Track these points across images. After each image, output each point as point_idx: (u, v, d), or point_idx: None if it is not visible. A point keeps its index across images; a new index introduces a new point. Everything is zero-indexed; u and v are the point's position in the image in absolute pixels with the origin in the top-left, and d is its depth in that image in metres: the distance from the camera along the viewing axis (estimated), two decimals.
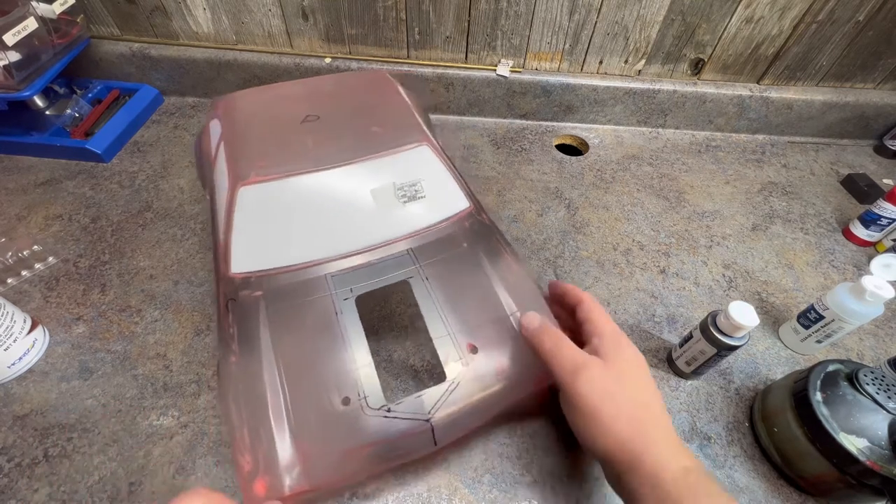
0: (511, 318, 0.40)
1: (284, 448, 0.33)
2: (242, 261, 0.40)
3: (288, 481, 0.32)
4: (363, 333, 0.38)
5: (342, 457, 0.34)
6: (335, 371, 0.36)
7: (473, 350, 0.39)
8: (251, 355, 0.36)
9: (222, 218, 0.41)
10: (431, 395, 0.36)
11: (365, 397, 0.35)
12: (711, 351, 0.45)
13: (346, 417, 0.34)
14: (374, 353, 0.38)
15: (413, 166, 0.45)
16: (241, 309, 0.38)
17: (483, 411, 0.38)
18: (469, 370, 0.38)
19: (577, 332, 0.39)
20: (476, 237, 0.45)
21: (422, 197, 0.45)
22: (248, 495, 0.32)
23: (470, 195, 0.48)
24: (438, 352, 0.38)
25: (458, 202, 0.47)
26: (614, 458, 0.32)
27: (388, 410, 0.35)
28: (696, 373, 0.49)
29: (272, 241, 0.41)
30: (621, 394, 0.33)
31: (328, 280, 0.40)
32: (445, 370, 0.37)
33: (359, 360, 0.37)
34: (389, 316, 0.52)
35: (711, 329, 0.44)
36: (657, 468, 0.31)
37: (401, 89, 0.54)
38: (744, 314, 0.42)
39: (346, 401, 0.35)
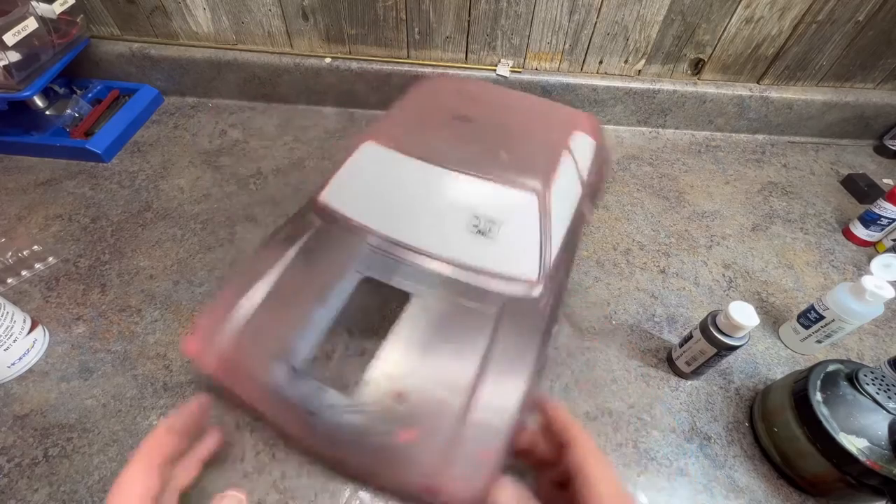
0: (463, 412, 0.34)
1: (229, 332, 0.37)
2: (330, 195, 0.46)
3: (208, 356, 0.36)
4: (340, 307, 0.39)
5: (251, 376, 0.36)
6: (300, 314, 0.39)
7: (399, 399, 0.34)
8: (274, 255, 0.42)
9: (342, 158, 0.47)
10: (333, 397, 0.35)
11: (296, 348, 0.37)
12: (711, 351, 0.45)
13: (275, 351, 0.37)
14: (333, 327, 0.39)
15: (509, 208, 0.41)
16: (298, 224, 0.45)
17: (368, 459, 0.34)
18: (380, 412, 0.34)
19: (564, 476, 0.31)
20: (512, 314, 0.38)
21: (491, 238, 0.41)
22: (182, 344, 0.36)
23: (546, 274, 0.40)
24: (371, 370, 0.35)
25: (523, 267, 0.40)
26: None
27: (295, 373, 0.36)
28: (696, 373, 0.49)
29: (356, 193, 0.45)
30: None
31: (362, 248, 0.42)
32: (360, 389, 0.35)
33: (319, 321, 0.38)
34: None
35: (711, 329, 0.44)
36: None
37: (577, 137, 0.48)
38: (744, 314, 0.42)
39: (285, 341, 0.37)
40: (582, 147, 0.49)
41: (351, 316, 0.44)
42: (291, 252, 0.42)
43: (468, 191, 0.42)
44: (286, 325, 0.38)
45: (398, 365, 0.36)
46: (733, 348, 0.44)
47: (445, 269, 0.41)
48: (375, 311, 0.49)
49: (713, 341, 0.44)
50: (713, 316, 0.45)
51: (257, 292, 0.39)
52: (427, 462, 0.33)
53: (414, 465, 0.33)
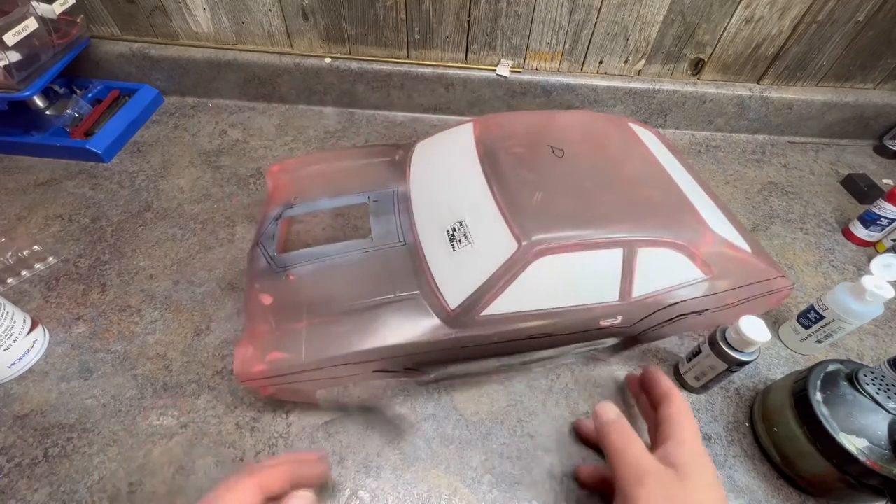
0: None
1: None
2: (421, 144, 0.53)
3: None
4: (335, 206, 0.50)
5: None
6: (323, 188, 0.51)
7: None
8: (361, 153, 0.55)
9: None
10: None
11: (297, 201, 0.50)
12: (722, 366, 0.44)
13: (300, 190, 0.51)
14: (324, 210, 0.51)
15: (490, 240, 0.40)
16: (395, 149, 0.55)
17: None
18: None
19: (656, 429, 0.35)
20: (400, 312, 0.40)
21: (453, 248, 0.42)
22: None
23: (461, 313, 0.39)
24: (303, 253, 0.46)
25: (450, 291, 0.40)
26: None
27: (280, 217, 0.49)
28: (705, 388, 0.48)
29: (429, 153, 0.51)
30: None
31: (390, 187, 0.50)
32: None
33: (322, 203, 0.50)
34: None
35: (721, 344, 0.43)
36: None
37: (648, 253, 0.41)
38: (755, 329, 0.41)
39: (305, 190, 0.51)
40: (654, 265, 0.41)
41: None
42: (367, 160, 0.54)
43: (479, 204, 0.42)
44: (313, 185, 0.52)
45: (308, 259, 0.44)
46: (744, 363, 0.43)
47: (407, 241, 0.45)
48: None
49: (723, 356, 0.43)
50: (722, 330, 0.44)
51: (327, 158, 0.56)
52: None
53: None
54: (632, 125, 0.55)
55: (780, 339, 0.55)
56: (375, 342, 0.39)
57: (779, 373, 0.52)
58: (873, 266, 0.50)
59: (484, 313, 0.40)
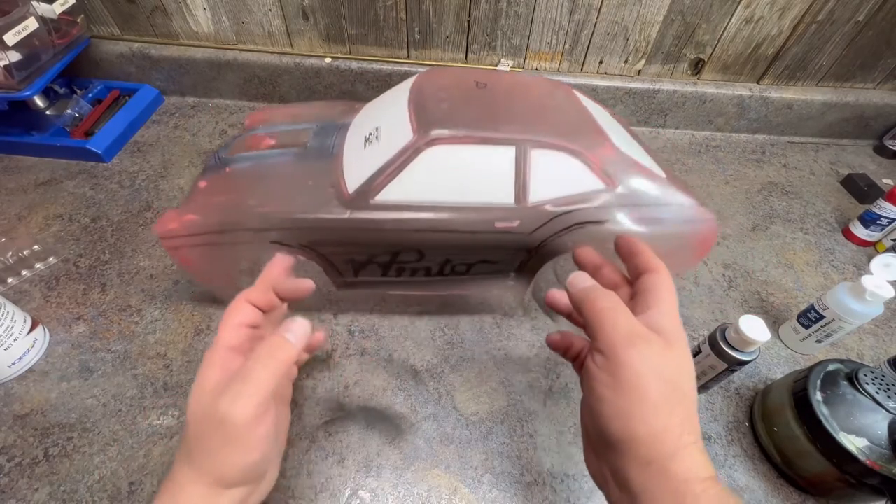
0: None
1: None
2: (371, 102, 0.54)
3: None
4: (289, 129, 0.53)
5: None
6: (288, 116, 0.56)
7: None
8: (324, 104, 0.59)
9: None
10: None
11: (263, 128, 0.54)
12: (722, 366, 0.44)
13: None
14: (278, 132, 0.53)
15: (394, 135, 0.44)
16: (349, 103, 0.58)
17: None
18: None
19: (629, 298, 0.34)
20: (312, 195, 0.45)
21: (365, 149, 0.45)
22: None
23: (357, 197, 0.42)
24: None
25: (352, 178, 0.43)
26: (633, 448, 0.28)
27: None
28: (705, 388, 0.48)
29: (380, 99, 0.53)
30: (675, 383, 0.29)
31: (339, 119, 0.53)
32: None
33: (282, 125, 0.54)
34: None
35: (721, 344, 0.43)
36: (687, 475, 0.27)
37: (544, 154, 0.42)
38: (754, 329, 0.41)
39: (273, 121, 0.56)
40: (546, 164, 0.42)
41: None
42: (333, 109, 0.56)
43: (395, 115, 0.45)
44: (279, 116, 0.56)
45: (247, 159, 0.49)
46: (744, 363, 0.43)
47: (335, 152, 0.48)
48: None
49: (723, 356, 0.43)
50: (722, 330, 0.44)
51: (303, 106, 0.59)
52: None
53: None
54: (576, 92, 0.54)
55: (780, 338, 0.55)
56: (270, 209, 0.43)
57: (779, 372, 0.52)
58: (873, 266, 0.50)
59: (377, 199, 0.41)
